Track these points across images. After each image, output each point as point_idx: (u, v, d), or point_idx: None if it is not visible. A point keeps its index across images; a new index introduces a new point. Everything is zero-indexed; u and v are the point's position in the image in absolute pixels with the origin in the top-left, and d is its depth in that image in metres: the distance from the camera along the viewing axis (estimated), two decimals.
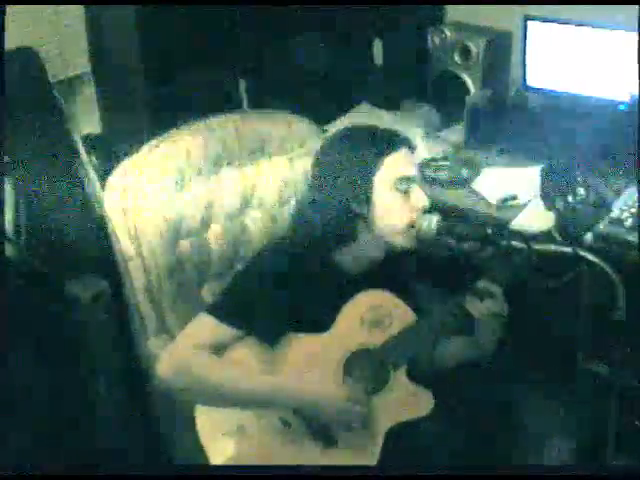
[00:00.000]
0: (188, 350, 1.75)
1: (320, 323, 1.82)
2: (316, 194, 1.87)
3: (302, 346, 1.80)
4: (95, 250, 2.14)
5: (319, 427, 1.76)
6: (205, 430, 1.75)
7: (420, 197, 1.84)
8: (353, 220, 1.84)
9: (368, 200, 1.82)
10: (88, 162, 2.38)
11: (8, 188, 2.16)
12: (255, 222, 2.14)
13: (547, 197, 2.26)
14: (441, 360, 1.96)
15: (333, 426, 1.77)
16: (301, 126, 2.21)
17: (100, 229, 2.05)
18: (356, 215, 1.83)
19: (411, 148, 1.89)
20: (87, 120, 2.49)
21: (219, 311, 1.79)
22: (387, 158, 1.82)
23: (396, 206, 1.83)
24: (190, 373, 1.74)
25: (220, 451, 1.74)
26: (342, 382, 1.79)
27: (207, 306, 1.85)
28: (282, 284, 1.79)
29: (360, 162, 1.82)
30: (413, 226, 1.83)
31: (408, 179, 1.84)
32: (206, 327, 1.78)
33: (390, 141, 1.86)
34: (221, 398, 1.76)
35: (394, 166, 1.83)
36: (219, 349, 1.77)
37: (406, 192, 1.84)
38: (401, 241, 1.85)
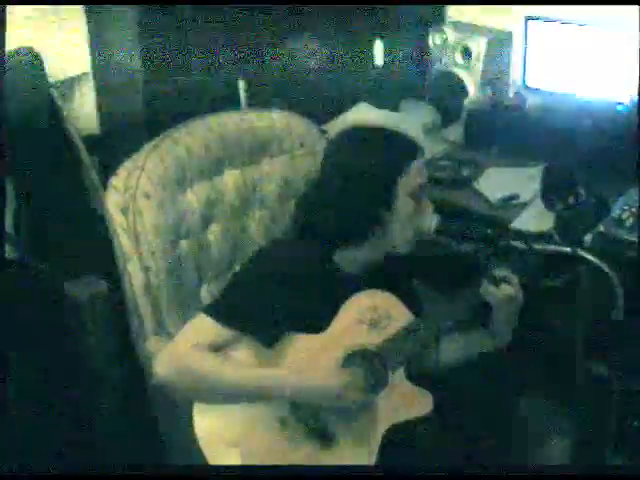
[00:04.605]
0: (186, 349, 1.75)
1: (318, 323, 1.82)
2: (326, 195, 1.86)
3: (300, 346, 1.80)
4: (95, 250, 2.14)
5: (317, 427, 1.76)
6: (204, 431, 1.75)
7: (428, 203, 1.86)
8: (367, 223, 1.84)
9: (388, 205, 1.82)
10: (88, 162, 2.38)
11: (8, 188, 2.16)
12: (255, 222, 2.14)
13: (547, 198, 2.26)
14: (447, 357, 1.96)
15: (332, 419, 1.76)
16: (301, 126, 2.21)
17: (100, 229, 2.05)
18: (372, 218, 1.83)
19: (422, 154, 1.89)
20: (87, 120, 2.49)
21: (217, 312, 1.78)
22: (411, 165, 1.83)
23: (411, 211, 1.84)
24: (188, 371, 1.74)
25: (219, 452, 1.74)
26: (340, 372, 1.79)
27: (205, 306, 1.86)
28: (280, 284, 1.79)
29: (383, 166, 1.82)
30: (419, 231, 1.84)
31: (424, 186, 1.85)
32: (204, 327, 1.77)
33: (412, 148, 1.86)
34: (220, 393, 1.75)
35: (416, 174, 1.83)
36: (217, 349, 1.76)
37: (419, 198, 1.84)
38: (403, 247, 1.86)
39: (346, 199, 1.82)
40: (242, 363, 1.78)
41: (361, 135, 1.91)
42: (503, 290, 1.80)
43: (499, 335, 1.92)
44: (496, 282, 1.81)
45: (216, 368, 1.75)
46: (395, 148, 1.84)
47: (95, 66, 2.48)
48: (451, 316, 1.84)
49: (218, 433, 1.75)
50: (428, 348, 1.89)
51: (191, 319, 1.82)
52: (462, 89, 2.79)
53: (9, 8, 2.03)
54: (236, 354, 1.78)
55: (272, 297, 1.78)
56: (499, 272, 1.81)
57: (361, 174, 1.82)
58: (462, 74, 2.79)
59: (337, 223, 1.83)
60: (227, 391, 1.75)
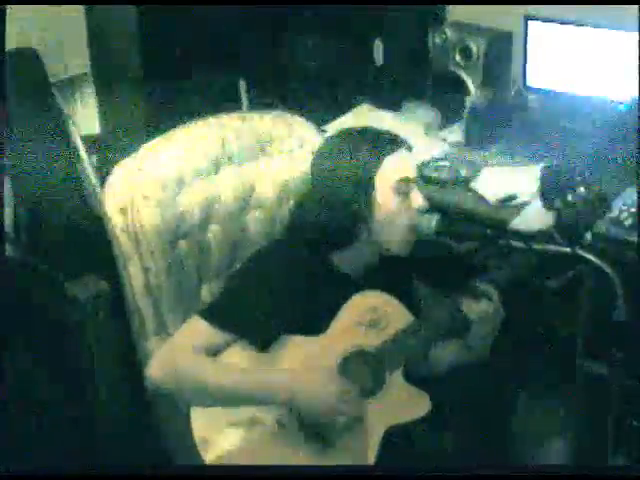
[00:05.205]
0: (181, 352, 1.75)
1: (316, 325, 1.81)
2: (315, 195, 1.87)
3: (298, 348, 1.80)
4: (95, 250, 2.14)
5: (315, 428, 1.76)
6: (200, 432, 1.74)
7: (418, 199, 1.84)
8: (354, 221, 1.84)
9: (369, 202, 1.82)
10: (88, 162, 2.38)
11: (8, 188, 2.16)
12: (255, 222, 2.14)
13: (547, 197, 2.26)
14: (436, 363, 1.95)
15: (327, 425, 1.76)
16: (301, 126, 2.20)
17: (100, 229, 2.05)
18: (357, 216, 1.83)
19: (409, 149, 1.89)
20: (87, 120, 2.49)
21: (211, 314, 1.78)
22: (386, 159, 1.82)
23: (396, 208, 1.83)
24: (183, 374, 1.73)
25: (216, 453, 1.73)
26: (337, 380, 1.78)
27: (200, 309, 1.84)
28: (277, 286, 1.78)
29: (359, 163, 1.82)
30: (412, 229, 1.83)
31: (407, 181, 1.84)
32: (198, 330, 1.76)
33: (387, 143, 1.85)
34: (215, 397, 1.74)
35: (393, 168, 1.83)
36: (212, 352, 1.76)
37: (405, 194, 1.84)
38: (397, 247, 1.85)
39: (328, 199, 1.82)
40: (237, 366, 1.77)
41: (341, 135, 1.92)
42: (482, 306, 1.81)
43: (475, 349, 1.92)
44: (476, 297, 1.81)
45: (211, 372, 1.74)
46: (369, 143, 1.84)
47: (95, 66, 2.48)
48: (450, 317, 1.83)
49: (215, 436, 1.73)
50: (427, 349, 1.89)
51: (186, 321, 1.82)
52: (462, 89, 2.80)
53: (9, 8, 2.04)
54: (231, 357, 1.77)
55: (269, 299, 1.77)
56: (480, 286, 1.81)
57: (339, 173, 1.82)
58: (462, 74, 2.80)
59: (323, 224, 1.83)
60: (223, 395, 1.74)
